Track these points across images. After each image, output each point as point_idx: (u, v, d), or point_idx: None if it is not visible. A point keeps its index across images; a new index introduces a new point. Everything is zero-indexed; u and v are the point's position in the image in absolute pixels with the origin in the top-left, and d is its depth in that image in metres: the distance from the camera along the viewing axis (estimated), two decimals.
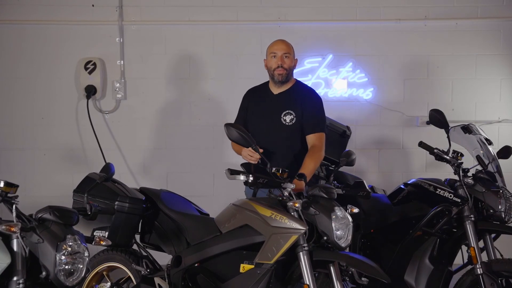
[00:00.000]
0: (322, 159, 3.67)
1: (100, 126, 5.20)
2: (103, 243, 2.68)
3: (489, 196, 3.53)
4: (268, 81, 3.85)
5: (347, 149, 4.22)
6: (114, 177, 3.35)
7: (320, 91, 5.14)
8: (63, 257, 2.41)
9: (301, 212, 2.94)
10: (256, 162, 3.32)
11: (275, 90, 3.77)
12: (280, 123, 3.68)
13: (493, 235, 3.66)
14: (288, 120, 3.67)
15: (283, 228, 2.88)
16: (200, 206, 3.67)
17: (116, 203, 3.30)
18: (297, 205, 2.91)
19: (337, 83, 5.24)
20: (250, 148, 3.25)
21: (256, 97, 3.83)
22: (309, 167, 3.51)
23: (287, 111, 3.68)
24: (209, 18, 5.22)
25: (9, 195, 2.49)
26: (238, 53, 5.23)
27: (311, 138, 3.66)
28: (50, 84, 5.22)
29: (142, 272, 3.37)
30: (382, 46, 5.28)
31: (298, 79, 4.58)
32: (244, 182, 3.02)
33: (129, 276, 3.50)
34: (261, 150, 3.25)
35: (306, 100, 3.73)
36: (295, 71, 5.04)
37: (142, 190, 3.55)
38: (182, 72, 5.26)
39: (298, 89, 3.79)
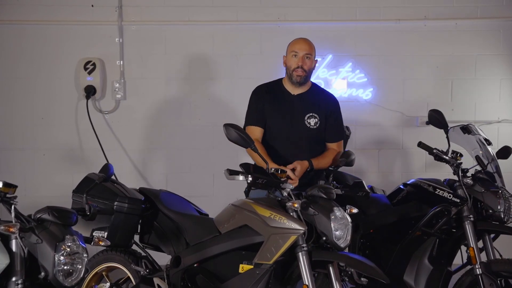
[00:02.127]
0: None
1: (99, 126, 5.20)
2: (102, 243, 2.68)
3: (488, 196, 3.53)
4: (280, 79, 3.78)
5: (346, 149, 4.22)
6: (113, 177, 3.35)
7: None
8: (62, 258, 2.41)
9: (300, 213, 2.94)
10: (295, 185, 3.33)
11: (293, 90, 3.69)
12: (304, 126, 3.64)
13: (492, 235, 3.66)
14: (312, 124, 3.64)
15: (282, 228, 2.88)
16: (200, 206, 3.67)
17: (115, 203, 3.30)
18: (296, 205, 2.91)
19: (337, 83, 5.24)
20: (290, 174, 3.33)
21: (272, 96, 3.70)
22: (320, 160, 3.59)
23: (311, 114, 3.64)
24: (209, 18, 5.22)
25: (8, 195, 2.49)
26: (238, 53, 5.23)
27: (332, 146, 3.73)
28: (49, 84, 5.23)
29: (141, 273, 3.37)
30: (382, 46, 5.28)
31: None
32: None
33: (128, 277, 3.50)
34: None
35: (330, 106, 3.71)
36: None
37: (141, 190, 3.55)
38: (182, 72, 5.26)
39: (319, 92, 3.76)
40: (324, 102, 3.70)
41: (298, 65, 3.59)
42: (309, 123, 3.63)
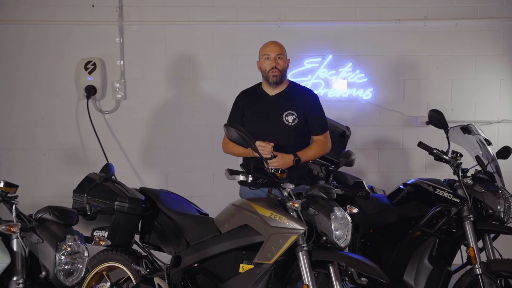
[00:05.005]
0: (327, 151, 3.80)
1: (100, 126, 5.20)
2: (102, 243, 2.68)
3: (488, 196, 3.53)
4: (260, 83, 3.87)
5: (346, 149, 4.24)
6: (114, 177, 3.35)
7: (320, 91, 5.15)
8: (62, 257, 2.41)
9: (301, 212, 2.95)
10: (270, 155, 3.45)
11: (271, 91, 3.79)
12: (282, 124, 3.70)
13: (492, 235, 3.66)
14: (290, 120, 3.69)
15: (283, 228, 2.88)
16: (200, 206, 3.67)
17: (116, 203, 3.30)
18: (296, 205, 2.92)
19: (337, 83, 5.25)
20: (264, 143, 3.46)
21: (251, 100, 3.84)
22: (307, 151, 3.68)
23: (289, 111, 3.71)
24: (209, 18, 5.23)
25: (9, 195, 2.50)
26: (238, 53, 5.24)
27: (318, 138, 3.79)
28: (50, 84, 5.23)
29: (142, 272, 3.38)
30: (382, 47, 5.28)
31: (298, 79, 4.60)
32: (239, 182, 3.03)
33: (129, 276, 3.51)
34: (272, 144, 3.50)
35: (308, 102, 3.78)
36: (295, 70, 5.15)
37: (142, 190, 3.56)
38: (182, 72, 5.27)
39: (295, 90, 3.83)
40: (301, 99, 3.77)
41: (272, 66, 3.71)
42: (287, 120, 3.71)
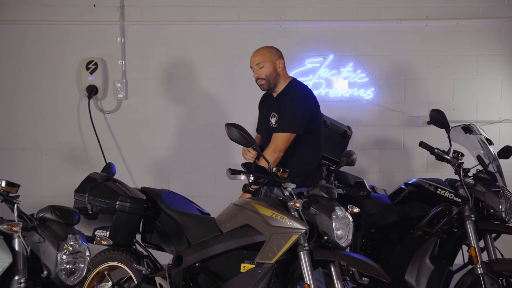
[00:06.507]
0: (272, 157, 3.48)
1: (101, 126, 5.21)
2: (104, 242, 2.69)
3: (490, 196, 3.53)
4: None
5: (348, 149, 4.24)
6: (115, 177, 3.36)
7: (321, 91, 5.16)
8: (64, 257, 2.42)
9: (302, 212, 2.95)
10: (252, 160, 3.44)
11: (274, 93, 3.82)
12: (268, 126, 3.74)
13: (493, 235, 3.66)
14: (273, 122, 3.71)
15: (284, 227, 2.88)
16: (201, 206, 3.67)
17: (117, 202, 3.30)
18: (297, 204, 2.92)
19: (338, 83, 5.25)
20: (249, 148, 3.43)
21: (263, 103, 3.95)
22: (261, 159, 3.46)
23: (273, 113, 3.73)
24: (210, 18, 5.23)
25: (10, 194, 2.51)
26: (239, 53, 5.23)
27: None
28: (51, 84, 5.23)
29: (143, 272, 3.38)
30: (383, 46, 5.28)
31: (299, 79, 4.53)
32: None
33: (130, 276, 3.51)
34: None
35: (283, 99, 3.70)
36: (296, 70, 5.15)
37: (143, 190, 3.56)
38: (183, 72, 5.27)
39: (286, 89, 3.75)
40: (283, 99, 3.70)
41: (255, 77, 3.76)
42: (271, 122, 3.72)
